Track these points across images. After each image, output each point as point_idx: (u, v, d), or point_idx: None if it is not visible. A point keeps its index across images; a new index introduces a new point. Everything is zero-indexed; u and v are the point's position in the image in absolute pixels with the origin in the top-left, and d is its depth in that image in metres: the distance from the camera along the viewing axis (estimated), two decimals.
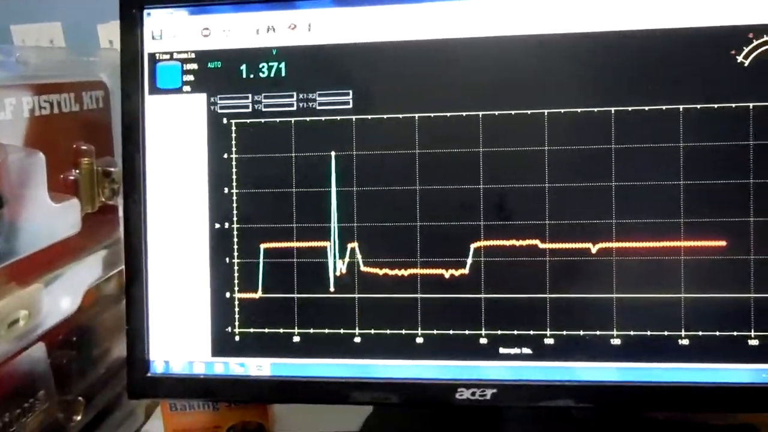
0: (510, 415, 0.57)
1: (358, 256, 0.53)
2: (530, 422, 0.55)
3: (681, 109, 0.50)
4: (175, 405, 0.60)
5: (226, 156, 0.54)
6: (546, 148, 0.51)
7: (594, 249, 0.51)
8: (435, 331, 0.53)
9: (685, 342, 0.51)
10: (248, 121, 0.54)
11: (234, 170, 0.54)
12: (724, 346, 0.50)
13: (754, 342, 0.50)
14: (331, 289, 0.54)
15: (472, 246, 0.52)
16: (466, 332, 0.52)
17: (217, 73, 0.54)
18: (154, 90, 0.55)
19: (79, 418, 0.57)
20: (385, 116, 0.53)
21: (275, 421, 0.64)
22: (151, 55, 0.55)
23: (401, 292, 0.53)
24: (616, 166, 0.51)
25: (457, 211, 0.52)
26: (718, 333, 0.50)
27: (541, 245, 0.52)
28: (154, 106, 0.55)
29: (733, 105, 0.50)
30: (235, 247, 0.54)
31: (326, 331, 0.54)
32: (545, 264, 0.52)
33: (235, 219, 0.54)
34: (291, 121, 0.54)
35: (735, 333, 0.50)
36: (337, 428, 0.57)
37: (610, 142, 0.51)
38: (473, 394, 0.52)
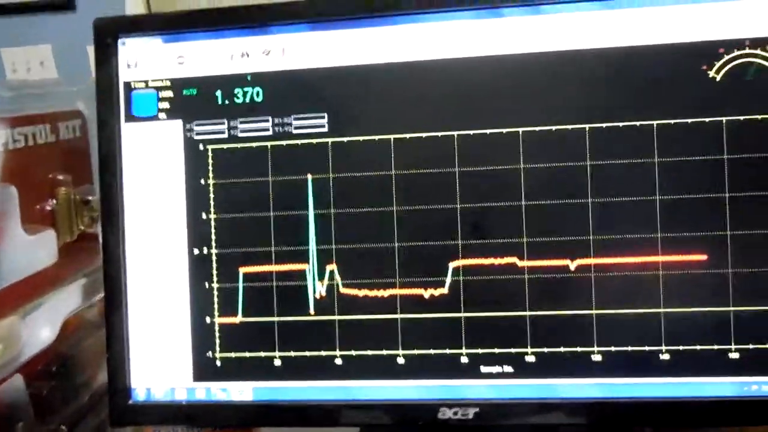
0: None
1: (337, 278, 0.53)
2: None
3: (655, 125, 0.50)
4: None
5: (203, 181, 0.54)
6: (521, 166, 0.51)
7: (572, 266, 0.51)
8: (416, 351, 0.53)
9: (666, 357, 0.51)
10: (224, 146, 0.54)
11: (211, 195, 0.54)
12: (705, 360, 0.50)
13: (734, 355, 0.50)
14: (311, 311, 0.54)
15: (451, 265, 0.52)
16: (447, 351, 0.52)
17: (192, 99, 0.54)
18: (130, 118, 0.55)
19: None
20: (360, 138, 0.53)
21: None
22: (127, 84, 0.55)
23: (381, 312, 0.53)
24: (592, 182, 0.51)
25: (434, 231, 0.52)
26: (698, 347, 0.50)
27: (520, 263, 0.52)
28: (130, 134, 0.55)
29: (707, 119, 0.50)
30: (215, 272, 0.54)
31: (307, 353, 0.54)
32: (524, 282, 0.52)
33: (213, 244, 0.54)
34: (267, 145, 0.54)
35: (715, 346, 0.50)
36: None
37: (585, 158, 0.51)
38: (455, 413, 0.52)
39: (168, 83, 0.54)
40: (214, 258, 0.54)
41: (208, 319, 0.55)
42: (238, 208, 0.54)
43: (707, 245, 0.50)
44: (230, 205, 0.54)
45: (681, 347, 0.50)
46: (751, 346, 0.50)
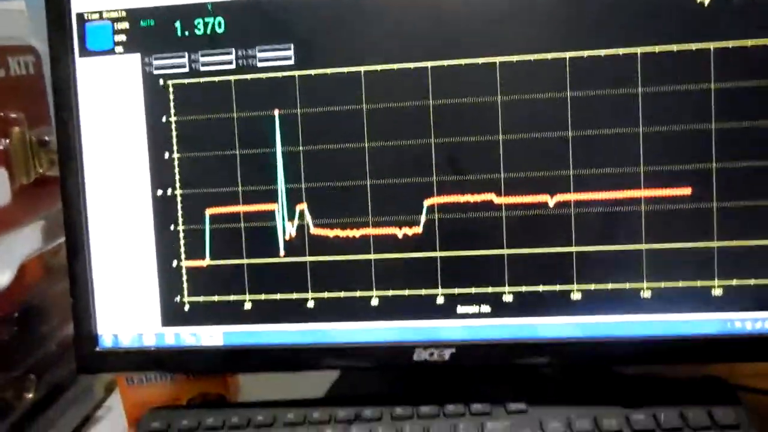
0: (479, 373, 0.55)
1: (308, 218, 0.51)
2: (499, 379, 0.54)
3: (639, 53, 0.48)
4: (132, 379, 0.58)
5: (164, 119, 0.51)
6: (499, 98, 0.49)
7: (551, 202, 0.49)
8: (390, 292, 0.51)
9: (648, 294, 0.49)
10: (186, 81, 0.51)
11: (174, 133, 0.51)
12: (688, 297, 0.49)
13: (717, 291, 0.48)
14: (281, 253, 0.52)
15: (426, 203, 0.50)
16: (422, 292, 0.51)
17: (150, 31, 0.51)
18: (85, 52, 0.52)
19: (30, 395, 0.56)
20: (329, 71, 0.50)
21: (240, 390, 0.62)
22: (80, 15, 0.51)
23: (354, 253, 0.51)
24: (572, 114, 0.48)
25: (408, 168, 0.50)
26: (681, 284, 0.49)
27: (497, 200, 0.50)
28: (85, 70, 0.52)
29: (693, 47, 0.47)
30: (180, 213, 0.52)
31: (278, 296, 0.52)
32: (502, 219, 0.50)
33: (177, 185, 0.52)
34: (231, 79, 0.51)
35: (698, 283, 0.49)
36: (304, 394, 0.56)
37: (566, 89, 0.48)
38: (431, 354, 0.50)
39: (124, 14, 0.51)
40: (178, 199, 0.52)
41: (174, 263, 0.53)
42: (202, 147, 0.51)
43: (691, 179, 0.48)
44: (194, 144, 0.51)
45: (663, 284, 0.49)
46: (734, 282, 0.48)
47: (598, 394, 0.51)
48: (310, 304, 0.52)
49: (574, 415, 0.49)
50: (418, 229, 0.50)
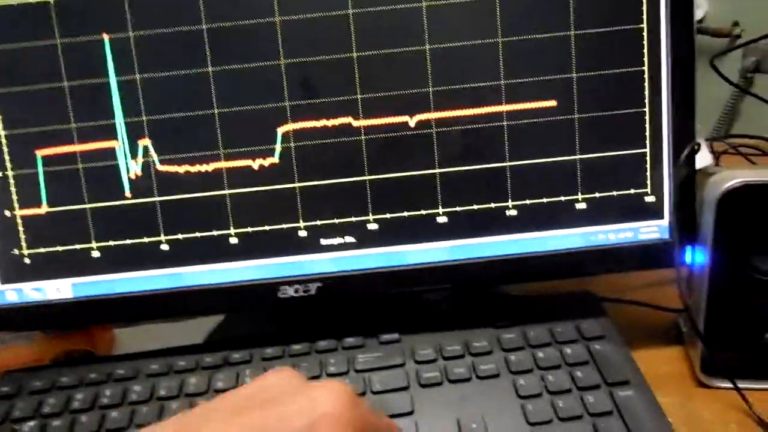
0: (353, 306, 0.54)
1: (153, 154, 0.47)
2: (375, 311, 0.52)
3: None
4: None
5: None
6: (350, 11, 0.45)
7: (412, 122, 0.47)
8: (249, 229, 0.48)
9: (513, 213, 0.48)
10: None
11: None
12: (553, 213, 0.48)
13: (581, 205, 0.48)
14: (127, 194, 0.47)
15: (280, 131, 0.47)
16: (283, 226, 0.48)
17: None
18: None
19: None
20: None
21: (116, 343, 0.59)
22: None
23: (207, 190, 0.47)
24: (428, 27, 0.45)
25: (258, 94, 0.46)
26: (545, 200, 0.48)
27: (355, 123, 0.47)
28: None
29: None
30: (7, 158, 0.47)
31: (128, 241, 0.48)
32: (361, 143, 0.47)
33: (1, 124, 0.46)
34: (49, 0, 0.45)
35: (563, 198, 0.48)
36: (182, 342, 0.53)
37: None
38: (297, 290, 0.48)
39: None
40: (3, 141, 0.46)
41: (8, 213, 0.47)
42: (26, 80, 0.46)
43: (553, 91, 0.46)
44: (15, 76, 0.46)
45: (528, 201, 0.48)
46: (597, 195, 0.48)
47: (471, 318, 0.50)
48: (164, 247, 0.48)
49: (446, 340, 0.48)
50: (274, 160, 0.47)
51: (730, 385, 0.44)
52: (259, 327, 0.56)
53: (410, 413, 0.42)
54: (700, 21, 0.88)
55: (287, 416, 0.29)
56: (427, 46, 0.46)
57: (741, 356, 0.45)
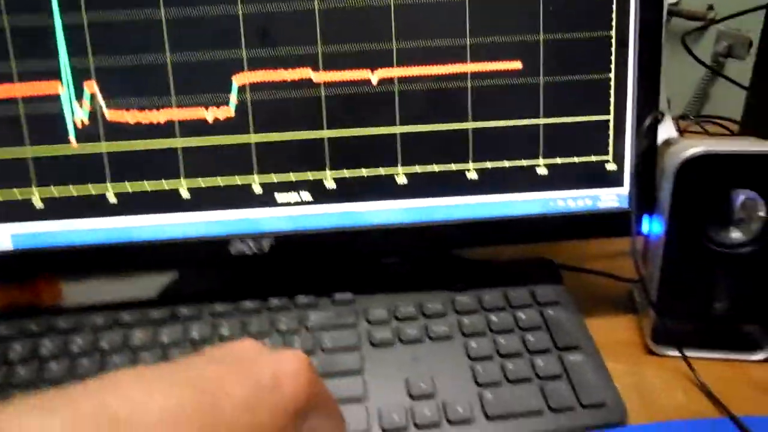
0: (307, 264, 0.52)
1: (100, 99, 0.44)
2: (336, 266, 0.51)
3: None
4: None
5: None
6: None
7: (374, 78, 0.45)
8: (201, 182, 0.46)
9: (474, 176, 0.47)
10: None
11: None
12: (513, 177, 0.47)
13: (542, 171, 0.47)
14: (72, 141, 0.45)
15: (235, 81, 0.45)
16: (237, 180, 0.46)
17: None
18: None
19: None
20: None
21: (63, 298, 0.57)
22: None
23: (157, 138, 0.45)
24: None
25: (213, 40, 0.44)
26: (507, 164, 0.47)
27: (315, 76, 0.45)
28: None
29: None
30: None
31: (73, 191, 0.46)
32: (320, 98, 0.45)
33: None
34: None
35: (524, 162, 0.47)
36: (134, 296, 0.51)
37: None
38: (249, 247, 0.47)
39: None
40: None
41: None
42: None
43: (518, 52, 0.45)
44: None
45: (489, 164, 0.47)
46: (558, 161, 0.47)
47: (426, 280, 0.49)
48: (111, 198, 0.46)
49: (401, 301, 0.47)
50: (229, 111, 0.45)
51: (679, 354, 0.44)
52: (213, 285, 0.54)
53: (359, 372, 0.42)
54: (675, 3, 0.87)
55: (252, 372, 0.29)
56: (392, 1, 0.44)
57: (691, 326, 0.46)
